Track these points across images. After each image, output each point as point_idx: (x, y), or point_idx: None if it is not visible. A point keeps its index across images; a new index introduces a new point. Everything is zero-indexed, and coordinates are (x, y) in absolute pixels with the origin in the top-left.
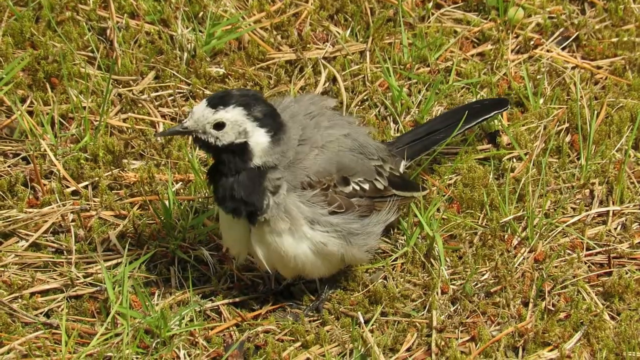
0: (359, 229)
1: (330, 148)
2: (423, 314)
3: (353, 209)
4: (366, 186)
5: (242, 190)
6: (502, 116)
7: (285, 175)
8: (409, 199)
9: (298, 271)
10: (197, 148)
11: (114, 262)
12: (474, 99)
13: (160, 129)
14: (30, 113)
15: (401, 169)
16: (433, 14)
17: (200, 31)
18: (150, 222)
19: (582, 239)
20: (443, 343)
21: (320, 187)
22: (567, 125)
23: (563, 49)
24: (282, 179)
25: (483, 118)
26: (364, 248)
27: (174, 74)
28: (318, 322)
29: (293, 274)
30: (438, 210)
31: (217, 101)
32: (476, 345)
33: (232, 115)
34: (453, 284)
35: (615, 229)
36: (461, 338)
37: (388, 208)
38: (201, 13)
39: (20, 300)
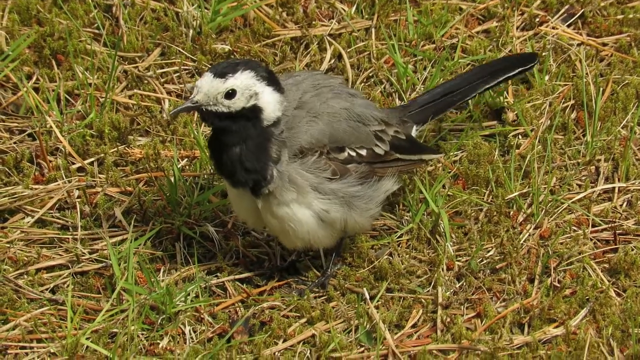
0: (359, 192)
1: (325, 118)
2: (428, 290)
3: (349, 174)
4: (363, 152)
5: (249, 159)
6: (507, 92)
7: (286, 136)
8: (416, 162)
9: (304, 242)
10: (205, 122)
11: (120, 238)
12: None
13: (166, 106)
14: (36, 90)
15: (413, 133)
16: None
17: (206, 8)
18: (156, 198)
19: (588, 216)
20: (448, 319)
21: (312, 154)
22: (572, 102)
23: (568, 26)
24: (284, 141)
25: (505, 76)
26: (367, 214)
27: (179, 50)
28: (323, 298)
29: (300, 244)
30: (443, 186)
31: (224, 70)
32: (482, 322)
33: (242, 80)
34: (458, 261)
35: (621, 205)
36: (466, 314)
37: (390, 173)
38: None
39: (25, 276)
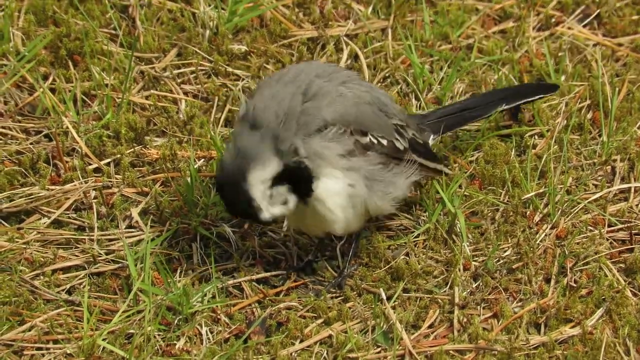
0: (380, 174)
1: (348, 97)
2: (445, 291)
3: (368, 158)
4: (384, 142)
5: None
6: None
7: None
8: (431, 170)
9: (330, 223)
10: None
11: (136, 239)
12: (496, 76)
13: (182, 106)
14: (53, 90)
15: (430, 142)
16: None
17: (223, 8)
18: (173, 199)
19: (604, 216)
20: (465, 319)
21: (337, 129)
22: (588, 102)
23: (584, 26)
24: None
25: (525, 100)
26: (388, 197)
27: (196, 51)
28: (340, 298)
29: (339, 226)
30: (460, 186)
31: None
32: (498, 322)
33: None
34: (475, 261)
35: (637, 205)
36: (483, 314)
37: (407, 168)
38: None
39: (42, 277)
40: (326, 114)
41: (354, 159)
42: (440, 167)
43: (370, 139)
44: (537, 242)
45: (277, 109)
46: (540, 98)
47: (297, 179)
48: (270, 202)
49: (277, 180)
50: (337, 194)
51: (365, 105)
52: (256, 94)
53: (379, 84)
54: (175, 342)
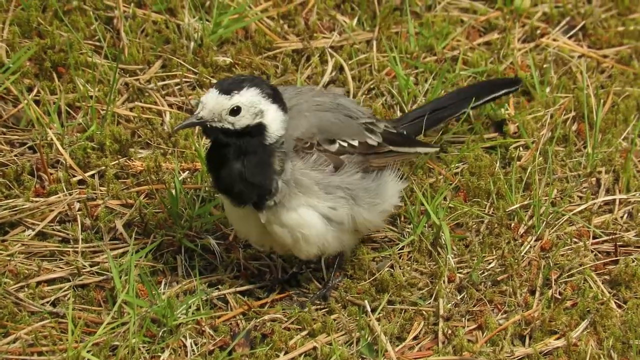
0: (361, 184)
1: (312, 111)
2: (430, 303)
3: (345, 165)
4: (355, 143)
5: (251, 174)
6: (508, 105)
7: (286, 148)
8: (411, 154)
9: (318, 247)
10: (208, 137)
11: (121, 251)
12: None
13: (167, 118)
14: (37, 102)
15: None
16: (439, 3)
17: (207, 20)
18: (157, 211)
19: (589, 228)
20: (450, 331)
21: (302, 146)
22: (573, 113)
23: (569, 37)
24: (285, 152)
25: (492, 96)
26: (375, 209)
27: (180, 63)
28: (325, 310)
29: (314, 251)
30: (445, 198)
31: (229, 87)
32: (483, 334)
33: (247, 98)
34: (460, 273)
35: (622, 217)
36: (468, 326)
37: (388, 165)
38: (208, 2)
39: (26, 289)
40: (295, 134)
41: (332, 177)
42: (419, 150)
43: (339, 144)
44: (522, 254)
45: None
46: (506, 93)
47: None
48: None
49: None
50: (311, 225)
51: (327, 112)
52: None
53: (364, 96)
54: (159, 354)
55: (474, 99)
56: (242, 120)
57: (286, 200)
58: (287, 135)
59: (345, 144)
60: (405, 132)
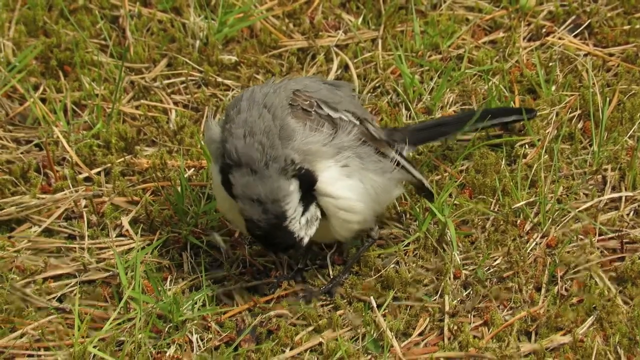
0: (366, 152)
1: (304, 83)
2: (435, 299)
3: (339, 126)
4: (356, 121)
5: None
6: (514, 102)
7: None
8: (415, 178)
9: (351, 215)
10: None
11: (127, 247)
12: (486, 86)
13: (173, 116)
14: (43, 100)
15: (404, 154)
16: (445, 1)
17: (213, 19)
18: (163, 208)
19: (595, 225)
20: (455, 327)
21: (302, 105)
22: (579, 112)
23: (575, 36)
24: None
25: (500, 121)
26: (385, 175)
27: (186, 61)
28: (330, 306)
29: (348, 225)
30: (450, 195)
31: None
32: (489, 330)
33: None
34: (465, 269)
35: (628, 214)
36: (474, 322)
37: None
38: (213, 1)
39: (33, 285)
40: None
41: (336, 139)
42: (422, 178)
43: (340, 116)
44: (528, 250)
45: (257, 138)
46: (515, 120)
47: (308, 186)
48: (307, 226)
49: (303, 200)
50: (339, 179)
51: (325, 85)
52: (227, 136)
53: (369, 94)
54: (165, 349)
55: (481, 121)
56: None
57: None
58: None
59: (346, 119)
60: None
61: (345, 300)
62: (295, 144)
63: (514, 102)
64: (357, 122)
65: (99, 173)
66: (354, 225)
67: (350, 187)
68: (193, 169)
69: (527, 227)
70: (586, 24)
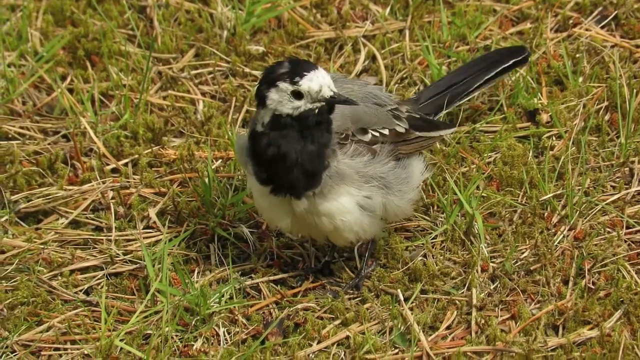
0: (393, 172)
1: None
2: (463, 292)
3: (376, 155)
4: (385, 132)
5: (310, 164)
6: (541, 94)
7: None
8: (436, 138)
9: (354, 234)
10: (329, 113)
11: (154, 239)
12: (513, 77)
13: (200, 107)
14: (71, 91)
15: None
16: None
17: (240, 9)
18: (190, 199)
19: (622, 217)
20: (483, 321)
21: (339, 138)
22: (606, 103)
23: (602, 27)
24: (335, 149)
25: (502, 67)
26: (406, 196)
27: (213, 52)
28: (358, 299)
29: (352, 237)
30: (478, 188)
31: (313, 65)
32: (516, 323)
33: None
34: (493, 262)
35: None
36: (501, 316)
37: (414, 151)
38: None
39: (60, 277)
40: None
41: (369, 167)
42: (443, 133)
43: (372, 133)
44: (555, 243)
45: None
46: (514, 64)
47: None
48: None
49: None
50: (349, 212)
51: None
52: None
53: (397, 85)
54: (192, 343)
55: (485, 72)
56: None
57: (327, 191)
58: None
59: (377, 134)
60: (425, 115)
61: (372, 293)
62: (339, 156)
63: (541, 94)
64: (387, 132)
65: (126, 164)
66: (341, 240)
67: (355, 222)
68: (220, 160)
69: (555, 219)
70: (613, 15)
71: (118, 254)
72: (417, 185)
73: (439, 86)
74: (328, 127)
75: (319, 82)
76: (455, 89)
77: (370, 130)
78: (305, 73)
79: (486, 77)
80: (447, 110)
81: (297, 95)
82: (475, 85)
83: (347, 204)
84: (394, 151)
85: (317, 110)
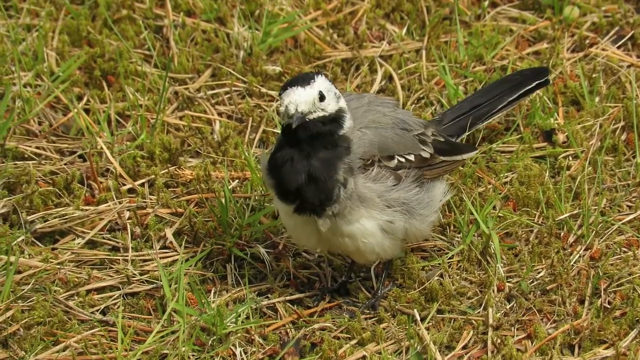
0: (417, 197)
1: (372, 128)
2: (479, 312)
3: (401, 180)
4: (411, 157)
5: (319, 168)
6: (557, 114)
7: (351, 158)
8: (459, 162)
9: (375, 254)
10: (304, 132)
11: (170, 259)
12: (530, 97)
13: (217, 127)
14: (87, 111)
15: None
16: (489, 12)
17: (257, 29)
18: (207, 219)
19: (638, 237)
20: (499, 340)
21: (364, 163)
22: (622, 123)
23: (618, 47)
24: (351, 166)
25: (525, 89)
26: (427, 219)
27: (230, 72)
28: (374, 319)
29: (373, 258)
30: (494, 208)
31: (304, 80)
32: (532, 343)
33: (323, 83)
34: (509, 282)
35: None
36: (517, 335)
37: (438, 175)
38: (257, 11)
39: (76, 297)
40: (358, 153)
41: (393, 192)
42: (465, 156)
43: (397, 159)
44: (571, 263)
45: None
46: (537, 86)
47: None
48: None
49: None
50: (372, 234)
51: (387, 130)
52: None
53: (413, 105)
54: None
55: (508, 93)
56: (331, 104)
57: (347, 212)
58: (352, 147)
59: (403, 160)
60: (449, 137)
61: (389, 313)
62: (358, 180)
63: (558, 114)
64: (412, 158)
65: (142, 184)
66: (363, 260)
67: (378, 244)
68: (237, 180)
69: (571, 239)
70: (629, 35)
71: (135, 274)
72: (437, 208)
73: (462, 107)
74: (337, 140)
75: (288, 99)
76: (478, 111)
77: (396, 157)
78: (287, 88)
79: (509, 99)
80: (469, 132)
81: (278, 109)
82: (499, 107)
83: (369, 227)
84: (418, 176)
85: (294, 125)
